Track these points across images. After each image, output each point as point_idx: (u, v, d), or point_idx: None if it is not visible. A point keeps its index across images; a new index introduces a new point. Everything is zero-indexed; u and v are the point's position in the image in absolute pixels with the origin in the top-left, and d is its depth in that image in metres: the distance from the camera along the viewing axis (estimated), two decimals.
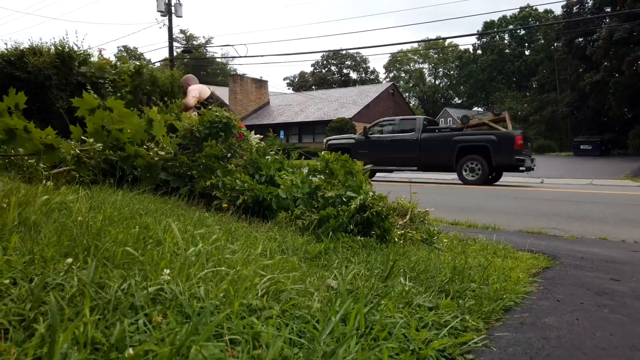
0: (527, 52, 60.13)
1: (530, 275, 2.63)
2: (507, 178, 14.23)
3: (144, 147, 4.06)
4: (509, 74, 61.42)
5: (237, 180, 3.39)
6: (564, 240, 4.19)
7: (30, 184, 2.80)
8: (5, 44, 13.71)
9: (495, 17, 61.72)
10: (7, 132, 3.25)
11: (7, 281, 1.18)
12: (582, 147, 33.30)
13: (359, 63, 77.17)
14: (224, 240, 2.08)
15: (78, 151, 3.50)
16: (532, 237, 4.12)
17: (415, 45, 73.93)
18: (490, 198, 8.83)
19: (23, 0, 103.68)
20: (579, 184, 12.66)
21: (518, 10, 57.35)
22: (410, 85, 78.48)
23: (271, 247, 2.24)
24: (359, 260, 2.30)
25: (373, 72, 79.47)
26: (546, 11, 56.26)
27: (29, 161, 3.32)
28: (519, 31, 60.19)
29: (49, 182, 2.68)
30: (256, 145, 4.11)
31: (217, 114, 3.97)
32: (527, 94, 54.29)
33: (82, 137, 3.98)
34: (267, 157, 3.90)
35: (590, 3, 39.07)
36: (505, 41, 63.97)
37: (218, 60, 67.23)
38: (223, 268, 1.53)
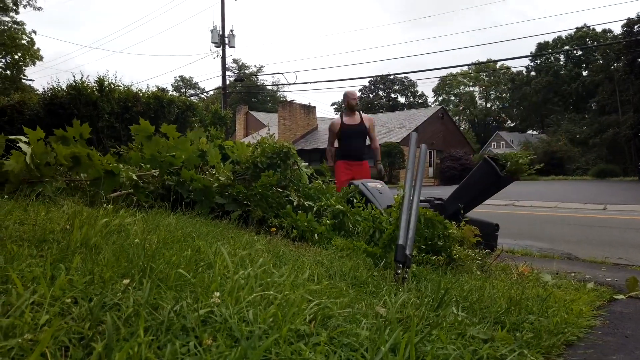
0: (584, 73, 57.82)
1: (594, 308, 2.46)
2: (565, 204, 13.56)
3: (206, 172, 4.23)
4: (566, 95, 59.07)
5: (298, 222, 3.51)
6: (630, 270, 3.90)
7: (92, 207, 2.96)
8: (74, 76, 14.82)
9: (549, 38, 60.05)
10: (73, 159, 3.47)
11: (68, 300, 1.24)
12: None
13: (407, 87, 76.94)
14: (272, 264, 2.09)
15: (135, 177, 3.67)
16: (594, 267, 3.87)
17: (465, 68, 72.82)
18: (546, 224, 8.42)
19: (90, 36, 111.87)
20: None
21: (574, 30, 55.42)
22: (460, 108, 77.13)
23: (319, 272, 2.23)
24: (409, 288, 2.24)
25: (421, 96, 78.96)
26: (604, 31, 54.08)
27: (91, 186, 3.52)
28: (575, 52, 58.12)
29: (109, 206, 2.82)
30: (307, 174, 4.23)
31: (276, 145, 4.08)
32: (586, 116, 51.92)
33: (140, 163, 4.18)
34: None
35: None
36: (561, 62, 61.87)
37: (268, 87, 69.21)
38: (271, 292, 1.54)
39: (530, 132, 69.35)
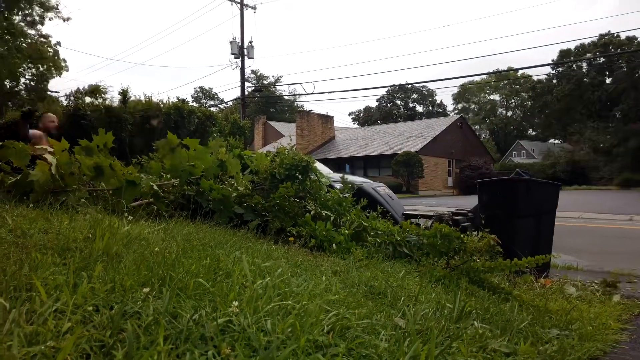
0: (608, 81, 56.70)
1: (621, 322, 2.39)
2: (589, 214, 13.24)
3: (225, 182, 4.27)
4: (589, 104, 57.95)
5: (317, 231, 3.50)
6: None
7: (113, 216, 3.01)
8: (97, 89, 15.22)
9: (571, 46, 59.13)
10: (96, 169, 3.54)
11: (90, 308, 1.26)
12: None
13: (426, 96, 76.57)
14: (290, 274, 2.09)
15: (155, 187, 3.72)
16: (621, 280, 3.76)
17: (485, 77, 72.03)
18: (570, 235, 8.24)
19: (113, 48, 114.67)
20: None
21: (597, 37, 54.40)
22: (480, 117, 76.28)
23: (336, 282, 2.21)
24: (427, 299, 2.21)
25: (440, 105, 78.42)
26: (628, 38, 53.03)
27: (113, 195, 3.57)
28: (598, 59, 57.08)
29: (130, 215, 2.86)
30: (327, 184, 4.25)
31: (295, 157, 4.10)
32: (610, 124, 50.75)
33: (160, 173, 4.24)
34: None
35: None
36: (584, 70, 60.80)
37: (286, 97, 69.65)
38: (289, 302, 1.53)
39: (552, 141, 68.18)
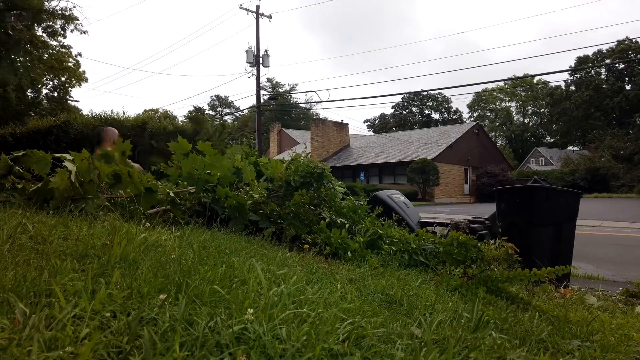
0: (627, 87, 55.77)
1: None
2: (610, 222, 12.97)
3: (240, 189, 4.29)
4: (608, 110, 57.00)
5: (332, 239, 3.49)
6: None
7: (131, 222, 3.04)
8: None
9: (589, 52, 58.39)
10: (114, 176, 3.59)
11: (108, 314, 1.27)
12: None
13: (441, 103, 76.25)
14: (305, 281, 2.08)
15: (172, 194, 3.76)
16: None
17: (501, 84, 71.35)
18: (591, 244, 8.07)
19: (131, 58, 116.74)
20: None
21: (615, 43, 53.59)
22: (497, 124, 75.56)
23: (352, 290, 2.20)
24: (444, 308, 2.18)
25: (456, 112, 78.00)
26: None
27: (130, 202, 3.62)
28: (617, 65, 56.22)
29: (147, 222, 2.89)
30: (342, 191, 4.23)
31: (310, 165, 4.10)
32: (630, 131, 49.82)
33: (177, 180, 4.28)
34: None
35: None
36: (602, 76, 59.89)
37: (301, 105, 69.98)
38: (304, 310, 1.53)
39: (570, 148, 67.15)
